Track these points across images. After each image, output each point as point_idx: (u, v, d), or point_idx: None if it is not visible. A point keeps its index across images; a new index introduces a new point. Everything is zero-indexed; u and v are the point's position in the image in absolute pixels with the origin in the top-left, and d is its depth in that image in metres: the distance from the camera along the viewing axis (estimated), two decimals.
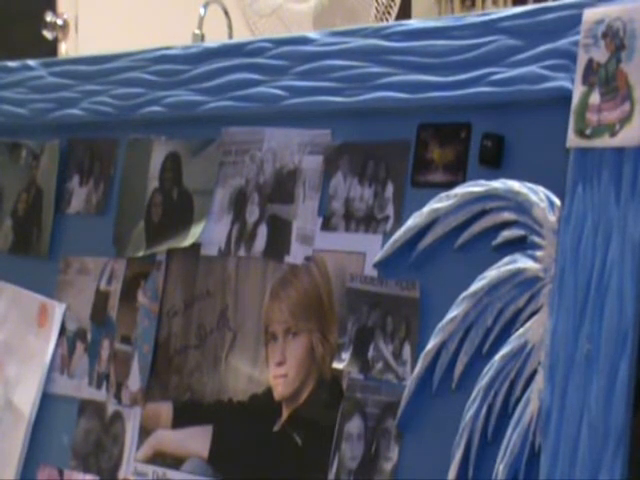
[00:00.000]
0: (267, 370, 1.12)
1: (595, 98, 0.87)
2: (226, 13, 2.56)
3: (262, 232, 1.15)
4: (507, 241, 0.93)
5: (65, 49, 2.48)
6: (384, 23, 1.75)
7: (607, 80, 0.86)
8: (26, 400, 1.34)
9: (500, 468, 0.89)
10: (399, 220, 1.02)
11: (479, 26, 0.98)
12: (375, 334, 1.02)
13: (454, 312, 0.94)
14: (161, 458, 1.20)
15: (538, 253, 0.90)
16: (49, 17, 2.30)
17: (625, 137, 0.85)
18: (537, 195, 0.91)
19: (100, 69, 1.31)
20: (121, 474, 1.23)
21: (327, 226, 1.09)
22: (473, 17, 0.99)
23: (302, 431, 1.08)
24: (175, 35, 1.88)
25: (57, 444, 1.31)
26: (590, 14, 0.88)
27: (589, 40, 0.88)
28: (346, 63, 1.07)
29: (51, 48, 2.50)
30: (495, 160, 0.96)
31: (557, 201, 0.90)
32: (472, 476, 0.92)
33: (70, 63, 1.36)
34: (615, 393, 0.83)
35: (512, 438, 0.89)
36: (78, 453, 1.28)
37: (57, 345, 1.34)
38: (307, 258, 1.10)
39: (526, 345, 0.90)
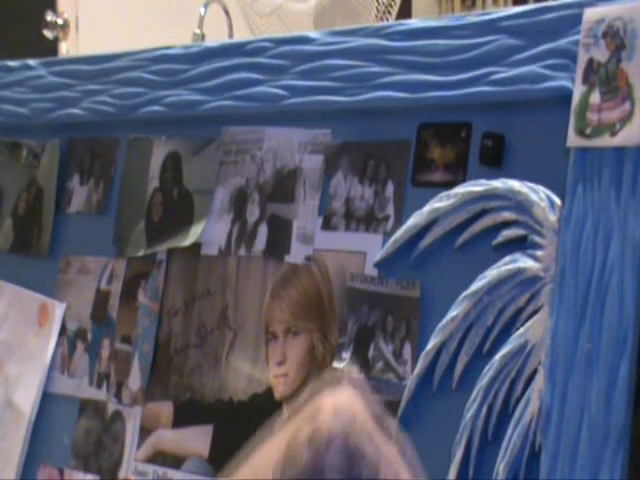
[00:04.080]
0: (267, 369, 1.12)
1: (595, 97, 0.87)
2: (226, 13, 2.56)
3: (262, 231, 1.15)
4: (507, 240, 0.93)
5: (65, 49, 2.47)
6: (384, 23, 1.74)
7: (607, 79, 0.86)
8: (26, 399, 1.34)
9: (500, 467, 0.89)
10: (399, 219, 1.02)
11: (479, 25, 0.98)
12: (375, 333, 1.02)
13: (454, 312, 0.94)
14: (161, 457, 1.20)
15: (538, 253, 0.90)
16: (49, 17, 2.29)
17: (625, 136, 0.85)
18: (537, 194, 0.91)
19: (100, 69, 1.31)
20: (121, 473, 1.23)
21: (327, 225, 1.09)
22: (473, 17, 0.99)
23: None
24: (175, 35, 1.87)
25: (57, 444, 1.31)
26: (590, 14, 0.88)
27: (589, 40, 0.88)
28: (346, 63, 1.07)
29: (51, 48, 2.50)
30: (495, 159, 0.96)
31: (557, 200, 0.90)
32: (472, 475, 0.92)
33: (70, 63, 1.36)
34: (615, 393, 0.83)
35: (512, 438, 0.89)
36: (78, 452, 1.28)
37: (57, 344, 1.34)
38: (307, 258, 1.10)
39: (526, 345, 0.90)
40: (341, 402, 0.55)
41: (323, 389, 0.57)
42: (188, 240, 1.21)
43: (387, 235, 1.03)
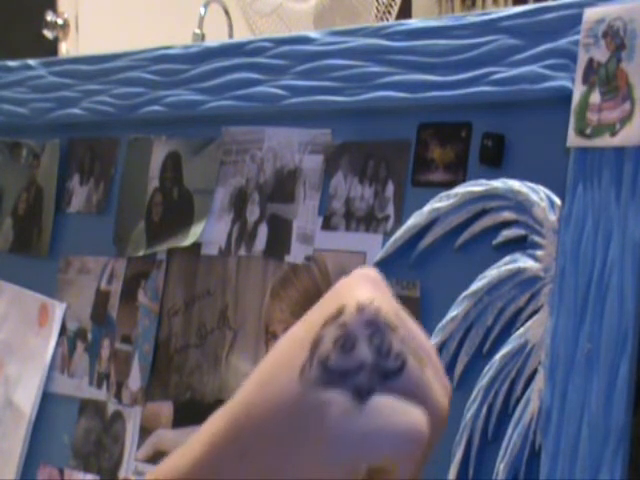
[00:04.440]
0: None
1: (595, 97, 0.87)
2: (226, 12, 2.56)
3: (262, 231, 1.15)
4: (507, 240, 0.93)
5: (65, 49, 2.48)
6: (384, 22, 1.75)
7: (607, 79, 0.86)
8: (26, 399, 1.34)
9: (500, 467, 0.89)
10: (399, 219, 1.02)
11: (479, 25, 0.98)
12: None
13: (454, 311, 0.94)
14: (162, 457, 1.19)
15: (538, 252, 0.90)
16: (49, 16, 2.30)
17: (625, 136, 0.85)
18: (537, 194, 0.91)
19: (100, 68, 1.31)
20: (121, 473, 1.23)
21: (327, 225, 1.09)
22: (473, 16, 0.99)
23: None
24: (175, 35, 1.88)
25: (57, 443, 1.31)
26: (590, 13, 0.88)
27: (589, 39, 0.88)
28: (346, 62, 1.07)
29: (51, 47, 2.50)
30: (495, 159, 0.96)
31: (557, 200, 0.90)
32: (472, 476, 0.92)
33: (70, 62, 1.36)
34: (615, 393, 0.83)
35: (512, 438, 0.89)
36: (78, 452, 1.28)
37: (57, 344, 1.34)
38: (307, 258, 1.10)
39: (526, 345, 0.90)
40: (363, 297, 0.56)
41: (341, 285, 0.58)
42: (188, 240, 1.21)
43: (387, 235, 1.03)
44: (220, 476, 0.54)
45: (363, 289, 0.57)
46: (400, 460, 0.54)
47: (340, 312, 0.55)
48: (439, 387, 0.56)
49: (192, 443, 0.57)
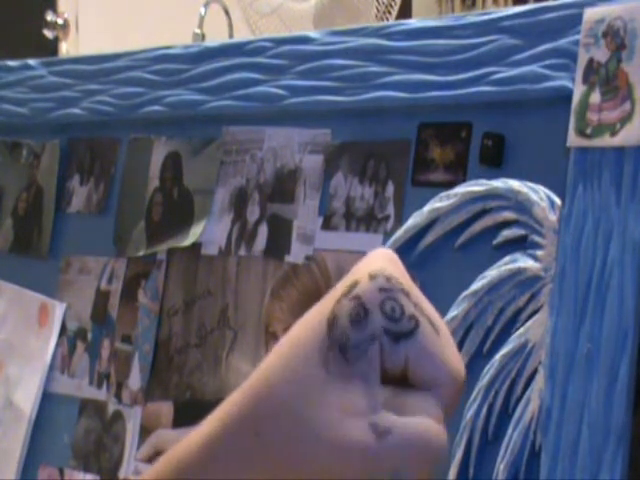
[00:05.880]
0: None
1: (596, 97, 0.87)
2: (226, 12, 2.56)
3: (263, 231, 1.15)
4: (507, 240, 0.93)
5: (66, 48, 2.47)
6: (385, 22, 1.75)
7: (608, 79, 0.86)
8: (26, 399, 1.34)
9: (501, 467, 0.89)
10: (399, 219, 1.02)
11: (479, 25, 0.98)
12: None
13: (454, 311, 0.94)
14: None
15: (538, 252, 0.90)
16: (49, 16, 2.29)
17: (626, 136, 0.85)
18: (538, 194, 0.91)
19: (101, 68, 1.31)
20: (122, 473, 1.23)
21: (327, 225, 1.09)
22: (473, 16, 0.99)
23: None
24: (175, 34, 1.88)
25: (57, 443, 1.31)
26: (591, 13, 0.88)
27: (590, 39, 0.88)
28: (346, 62, 1.07)
29: (52, 47, 2.50)
30: (496, 159, 0.96)
31: (558, 200, 0.90)
32: (472, 476, 0.92)
33: (71, 62, 1.36)
34: (615, 393, 0.83)
35: (513, 437, 0.89)
36: (78, 452, 1.28)
37: (57, 344, 1.34)
38: (308, 257, 1.10)
39: (527, 344, 0.90)
40: (375, 268, 0.57)
41: (355, 266, 0.59)
42: (188, 240, 1.21)
43: (387, 235, 1.03)
44: (234, 452, 0.54)
45: (375, 263, 0.58)
46: (410, 470, 0.54)
47: (353, 286, 0.56)
48: (453, 353, 0.56)
49: (207, 422, 0.57)
